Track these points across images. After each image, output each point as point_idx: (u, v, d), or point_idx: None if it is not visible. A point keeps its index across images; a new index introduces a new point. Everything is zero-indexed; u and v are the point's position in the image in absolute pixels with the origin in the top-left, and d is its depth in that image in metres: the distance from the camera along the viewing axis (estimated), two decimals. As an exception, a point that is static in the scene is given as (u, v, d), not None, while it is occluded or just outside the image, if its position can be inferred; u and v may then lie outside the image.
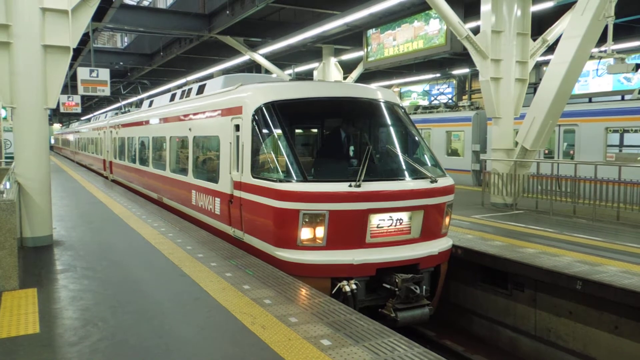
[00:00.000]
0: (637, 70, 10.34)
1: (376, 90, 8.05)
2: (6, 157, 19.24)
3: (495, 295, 8.14)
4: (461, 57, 20.58)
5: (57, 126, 62.52)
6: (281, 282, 5.81)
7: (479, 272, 8.33)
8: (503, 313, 8.03)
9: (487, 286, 8.27)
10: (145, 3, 37.62)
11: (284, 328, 4.48)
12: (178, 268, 6.36)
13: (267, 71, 22.56)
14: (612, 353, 6.64)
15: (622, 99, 18.55)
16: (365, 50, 18.54)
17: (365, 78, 25.81)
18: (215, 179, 8.53)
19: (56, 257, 6.92)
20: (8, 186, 7.12)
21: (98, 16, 15.44)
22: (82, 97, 23.23)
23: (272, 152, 7.08)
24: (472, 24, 13.97)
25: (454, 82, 30.36)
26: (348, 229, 6.51)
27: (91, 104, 49.17)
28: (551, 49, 12.43)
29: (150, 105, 14.79)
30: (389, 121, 7.87)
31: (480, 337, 8.33)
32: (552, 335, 7.33)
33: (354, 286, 6.37)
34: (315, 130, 8.56)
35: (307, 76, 27.15)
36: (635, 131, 13.71)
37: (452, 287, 8.74)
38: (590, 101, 18.47)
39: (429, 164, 7.61)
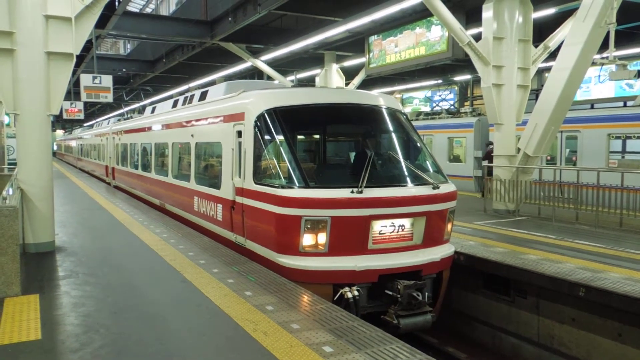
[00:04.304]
0: (639, 77, 10.35)
1: (378, 97, 8.07)
2: (9, 164, 19.32)
3: (497, 302, 8.12)
4: (463, 63, 20.58)
5: (60, 132, 62.70)
6: (283, 289, 5.80)
7: (481, 279, 8.31)
8: (505, 320, 8.00)
9: (489, 293, 8.24)
10: (148, 10, 37.87)
11: (286, 335, 4.47)
12: (180, 274, 6.35)
13: (269, 77, 22.63)
14: (615, 360, 6.61)
15: (625, 105, 18.56)
16: (367, 56, 18.59)
17: (367, 84, 25.86)
18: (217, 185, 8.54)
19: (58, 263, 6.92)
20: (11, 192, 7.14)
21: (101, 23, 15.52)
22: (85, 103, 23.28)
23: (274, 158, 7.09)
24: (474, 31, 14.01)
25: (456, 88, 30.41)
26: (350, 235, 6.50)
27: (94, 111, 49.30)
28: (553, 55, 12.45)
29: (152, 111, 14.83)
30: (390, 127, 7.88)
31: (482, 344, 8.29)
32: (555, 342, 7.30)
33: (356, 292, 6.35)
34: (317, 137, 8.57)
35: (309, 82, 27.21)
36: (638, 137, 13.69)
37: (454, 294, 8.71)
38: (592, 107, 18.47)
39: (431, 170, 7.61)
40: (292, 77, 25.60)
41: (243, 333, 4.51)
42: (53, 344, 4.29)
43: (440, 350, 7.85)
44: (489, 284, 8.20)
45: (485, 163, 14.70)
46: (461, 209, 11.34)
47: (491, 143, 15.19)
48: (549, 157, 15.66)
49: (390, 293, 6.54)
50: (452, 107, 24.24)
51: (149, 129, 13.83)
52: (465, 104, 28.86)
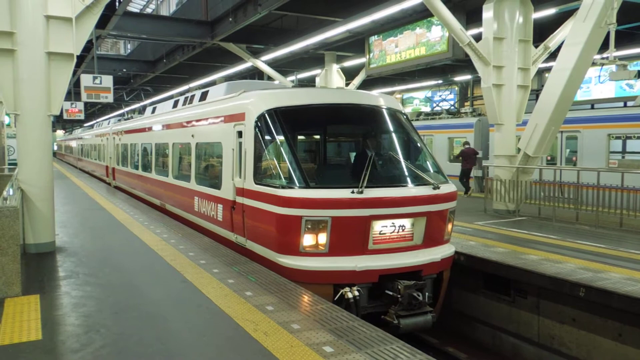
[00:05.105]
0: (639, 77, 10.34)
1: (378, 97, 8.07)
2: (9, 164, 19.33)
3: (498, 302, 8.12)
4: (463, 63, 20.59)
5: (60, 133, 62.73)
6: (283, 289, 5.81)
7: (481, 279, 8.31)
8: (506, 320, 8.00)
9: (489, 293, 8.24)
10: (149, 10, 37.88)
11: (287, 335, 4.48)
12: (180, 274, 6.36)
13: (270, 78, 22.63)
14: (616, 360, 6.61)
15: (625, 105, 18.56)
16: (367, 57, 18.59)
17: (367, 85, 25.86)
18: (217, 186, 8.54)
19: (59, 264, 6.92)
20: (11, 193, 7.14)
21: (101, 24, 15.53)
22: (86, 103, 23.31)
23: (274, 159, 7.09)
24: (474, 31, 14.01)
25: (456, 88, 30.40)
26: (350, 236, 6.51)
27: (94, 111, 49.35)
28: (553, 55, 12.46)
29: (153, 111, 14.83)
30: (391, 128, 7.89)
31: (483, 344, 8.30)
32: (556, 342, 7.30)
33: (356, 293, 6.36)
34: (317, 137, 8.58)
35: (310, 83, 27.21)
36: (638, 138, 13.69)
37: (454, 294, 8.71)
38: (592, 108, 18.48)
39: (431, 171, 7.61)
40: (292, 78, 25.58)
41: (243, 333, 4.51)
42: (54, 345, 4.29)
43: (441, 350, 7.85)
44: (489, 284, 8.20)
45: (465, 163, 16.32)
46: (461, 209, 11.35)
47: (468, 143, 17.02)
48: (549, 157, 15.68)
49: (391, 293, 6.54)
50: (452, 107, 24.25)
51: (150, 129, 13.83)
52: (466, 104, 28.85)
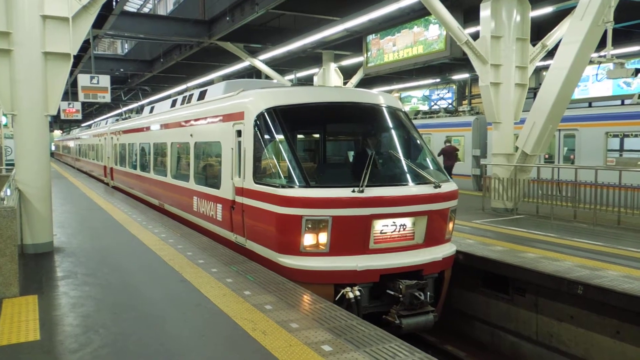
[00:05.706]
0: (636, 75, 10.36)
1: (378, 95, 8.06)
2: (7, 164, 19.27)
3: (496, 300, 8.12)
4: (461, 62, 20.58)
5: (57, 133, 62.56)
6: (282, 288, 5.80)
7: (480, 277, 8.31)
8: (505, 318, 8.01)
9: (488, 291, 8.24)
10: (146, 10, 37.81)
11: (285, 334, 4.47)
12: (179, 274, 6.35)
13: (267, 77, 22.62)
14: (614, 358, 6.62)
15: (622, 103, 18.60)
16: (365, 55, 18.59)
17: (365, 83, 25.83)
18: (216, 185, 8.52)
19: (57, 264, 6.91)
20: (9, 193, 7.12)
21: (98, 23, 15.51)
22: (83, 103, 23.28)
23: (274, 158, 7.07)
24: (472, 29, 14.01)
25: (454, 87, 30.41)
26: (351, 235, 6.49)
27: (92, 111, 49.24)
28: (551, 54, 12.47)
29: (151, 111, 14.80)
30: (391, 126, 7.87)
31: (482, 342, 8.30)
32: (554, 340, 7.31)
33: (357, 292, 6.33)
34: (317, 136, 8.57)
35: (307, 81, 27.19)
36: (636, 136, 13.71)
37: (453, 293, 8.70)
38: (590, 106, 18.51)
39: (432, 169, 7.60)
40: (291, 76, 25.57)
41: (242, 332, 4.51)
42: (52, 345, 4.28)
43: (440, 348, 7.85)
44: (487, 282, 8.21)
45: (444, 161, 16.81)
46: (460, 207, 11.29)
47: (449, 141, 17.63)
48: (547, 156, 15.69)
49: (392, 293, 6.52)
50: (450, 105, 24.27)
51: (148, 129, 13.80)
52: (464, 102, 28.87)
